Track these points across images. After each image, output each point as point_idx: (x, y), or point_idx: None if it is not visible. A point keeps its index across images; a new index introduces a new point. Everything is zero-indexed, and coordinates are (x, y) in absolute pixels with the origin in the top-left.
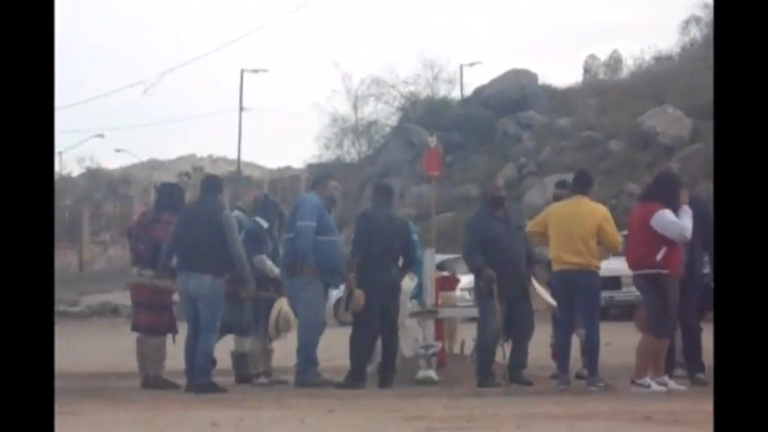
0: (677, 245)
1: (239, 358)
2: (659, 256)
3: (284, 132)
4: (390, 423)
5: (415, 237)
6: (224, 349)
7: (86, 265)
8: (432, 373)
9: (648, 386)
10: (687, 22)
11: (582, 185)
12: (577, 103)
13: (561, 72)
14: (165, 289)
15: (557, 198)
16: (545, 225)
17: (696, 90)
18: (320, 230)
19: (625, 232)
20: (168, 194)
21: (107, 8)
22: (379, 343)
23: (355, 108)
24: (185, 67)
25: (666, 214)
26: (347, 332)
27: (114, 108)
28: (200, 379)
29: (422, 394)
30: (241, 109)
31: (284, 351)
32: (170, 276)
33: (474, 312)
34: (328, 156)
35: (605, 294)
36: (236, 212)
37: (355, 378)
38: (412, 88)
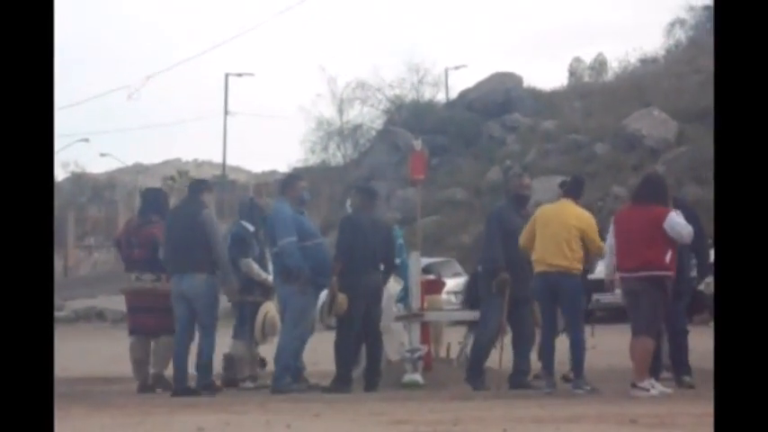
0: (676, 247)
1: (230, 361)
2: (668, 258)
3: (269, 136)
4: (376, 427)
5: (401, 240)
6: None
7: (71, 270)
8: (418, 377)
9: (649, 390)
10: (672, 25)
11: (575, 191)
12: (562, 105)
13: (546, 75)
14: (165, 292)
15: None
16: (534, 231)
17: (681, 92)
18: (302, 237)
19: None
20: (153, 199)
21: (91, 11)
22: (364, 347)
23: (340, 111)
24: (170, 71)
25: (678, 217)
26: (332, 336)
27: (99, 112)
28: (205, 379)
29: (408, 398)
30: (226, 113)
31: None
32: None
33: (460, 316)
34: (314, 159)
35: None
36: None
37: (341, 382)
38: (397, 92)
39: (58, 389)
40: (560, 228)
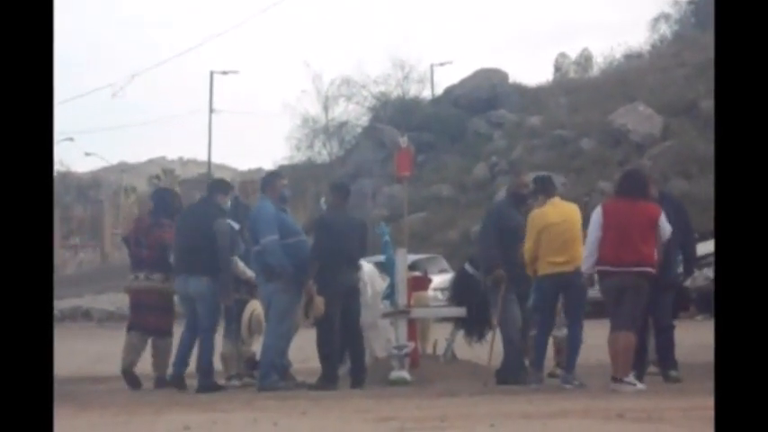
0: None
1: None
2: (656, 255)
3: (255, 134)
4: (363, 424)
5: (387, 237)
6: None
7: (57, 269)
8: (404, 374)
9: (635, 384)
10: (657, 20)
11: (551, 188)
12: (548, 101)
13: (532, 71)
14: (171, 292)
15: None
16: (537, 235)
17: (666, 87)
18: (284, 235)
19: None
20: (163, 200)
21: (75, 11)
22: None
23: (326, 109)
24: (155, 69)
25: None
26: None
27: (84, 111)
28: (205, 381)
29: (395, 395)
30: (211, 111)
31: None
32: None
33: (447, 312)
34: (299, 157)
35: None
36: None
37: (327, 380)
38: (382, 88)
39: None
40: (570, 226)
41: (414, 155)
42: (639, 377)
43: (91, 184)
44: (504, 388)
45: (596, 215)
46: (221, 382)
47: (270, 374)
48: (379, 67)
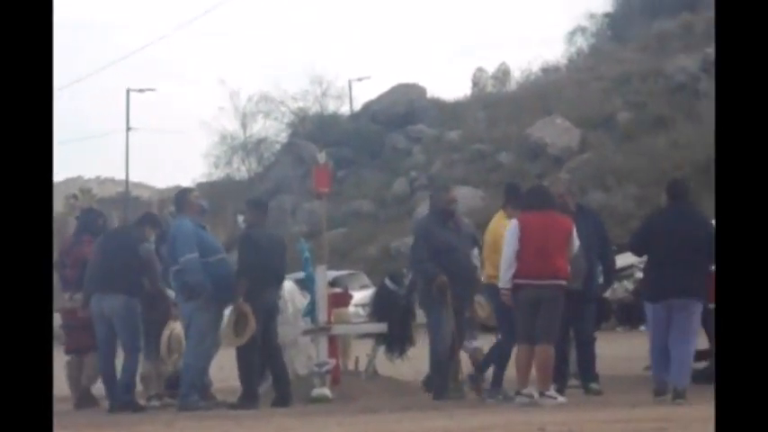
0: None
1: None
2: (568, 269)
3: (173, 151)
4: None
5: (307, 254)
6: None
7: None
8: (326, 391)
9: (556, 398)
10: (573, 33)
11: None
12: (466, 115)
13: (449, 85)
14: None
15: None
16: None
17: (584, 100)
18: (204, 253)
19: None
20: (87, 220)
21: None
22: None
23: (244, 125)
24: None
25: None
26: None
27: None
28: (123, 397)
29: (316, 412)
30: (128, 129)
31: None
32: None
33: (368, 328)
34: (218, 174)
35: None
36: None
37: (248, 399)
38: (301, 104)
39: None
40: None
41: (332, 171)
42: (560, 390)
43: None
44: (426, 403)
45: (513, 228)
46: (141, 402)
47: (190, 394)
48: (297, 83)
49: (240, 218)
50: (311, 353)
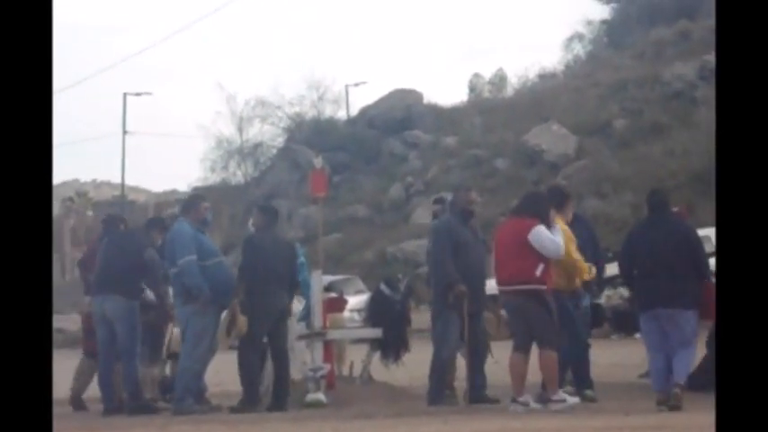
0: (551, 261)
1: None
2: (538, 272)
3: (169, 155)
4: None
5: (303, 259)
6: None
7: None
8: (321, 396)
9: (565, 401)
10: (570, 40)
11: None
12: (463, 121)
13: (446, 91)
14: None
15: (436, 215)
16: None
17: (580, 107)
18: (202, 256)
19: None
20: (112, 224)
21: None
22: (268, 366)
23: (240, 130)
24: (67, 91)
25: (544, 231)
26: (235, 357)
27: None
28: (132, 402)
29: (310, 417)
30: (125, 132)
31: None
32: None
33: (362, 333)
34: (214, 178)
35: None
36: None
37: (249, 401)
38: (297, 109)
39: None
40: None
41: (329, 175)
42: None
43: None
44: (420, 409)
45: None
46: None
47: (185, 398)
48: (294, 88)
49: (250, 222)
50: (306, 358)
